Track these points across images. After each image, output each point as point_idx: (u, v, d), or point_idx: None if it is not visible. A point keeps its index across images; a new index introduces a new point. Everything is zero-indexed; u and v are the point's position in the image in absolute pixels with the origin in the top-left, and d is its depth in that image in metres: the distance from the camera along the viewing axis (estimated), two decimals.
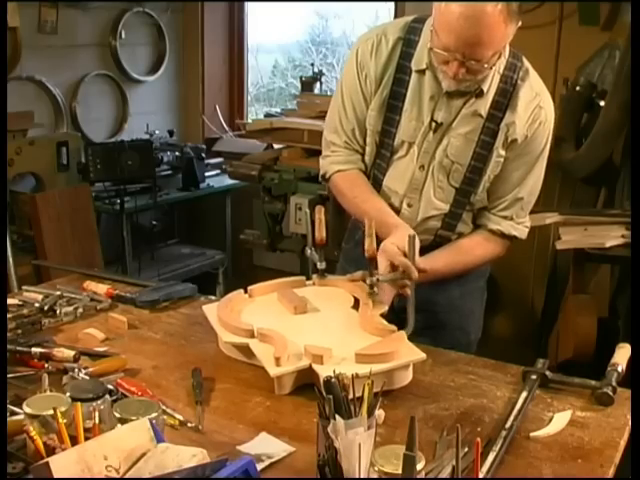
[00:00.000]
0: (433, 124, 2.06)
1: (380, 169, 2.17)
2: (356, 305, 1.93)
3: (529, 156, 2.11)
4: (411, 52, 2.07)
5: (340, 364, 1.62)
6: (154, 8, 5.16)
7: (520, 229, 2.19)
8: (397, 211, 2.15)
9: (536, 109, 2.07)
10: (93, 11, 4.84)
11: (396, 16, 4.72)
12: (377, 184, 2.18)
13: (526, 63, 2.09)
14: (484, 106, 2.04)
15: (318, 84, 4.94)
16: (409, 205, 2.15)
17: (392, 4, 4.80)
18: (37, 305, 2.09)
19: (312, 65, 5.10)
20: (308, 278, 2.12)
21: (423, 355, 1.70)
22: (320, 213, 2.06)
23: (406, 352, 1.70)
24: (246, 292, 2.04)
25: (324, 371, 1.49)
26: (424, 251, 2.12)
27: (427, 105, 2.06)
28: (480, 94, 2.03)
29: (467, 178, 2.09)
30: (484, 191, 2.13)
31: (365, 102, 2.14)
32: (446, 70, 1.92)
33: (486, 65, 1.89)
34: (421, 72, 2.05)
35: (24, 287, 2.28)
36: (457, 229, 2.17)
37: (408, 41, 2.07)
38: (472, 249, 2.18)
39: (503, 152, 2.07)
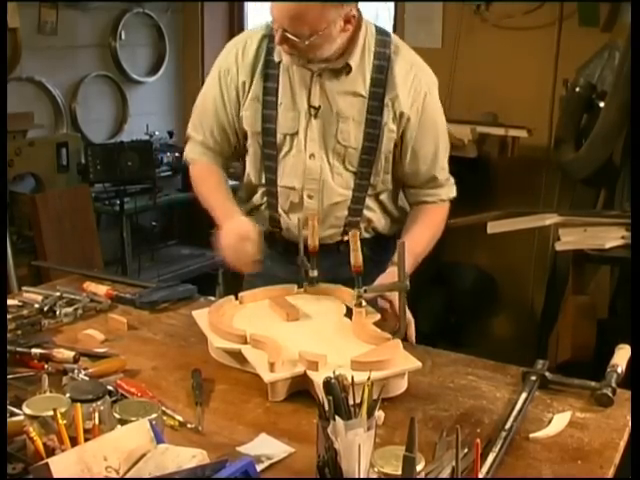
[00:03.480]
0: (312, 110, 2.10)
1: (271, 170, 2.17)
2: (348, 313, 1.93)
3: (431, 128, 2.16)
4: (275, 46, 2.09)
5: (335, 371, 1.61)
6: (154, 9, 5.16)
7: (453, 188, 2.27)
8: (300, 206, 2.16)
9: (415, 80, 2.10)
10: (93, 12, 4.84)
11: (396, 16, 4.73)
12: (272, 186, 2.19)
13: (395, 38, 2.15)
14: (363, 85, 2.08)
15: None
16: (309, 197, 2.16)
17: (392, 4, 4.79)
18: (37, 306, 2.08)
19: None
20: (300, 286, 2.11)
21: (419, 363, 1.69)
22: (313, 220, 2.05)
23: (402, 360, 1.69)
24: (237, 298, 2.04)
25: (319, 378, 1.47)
26: (339, 248, 2.16)
27: (300, 92, 2.10)
28: (349, 70, 2.07)
29: (363, 160, 2.12)
30: (383, 172, 2.16)
31: (225, 108, 2.18)
32: (277, 42, 1.98)
33: (307, 42, 1.93)
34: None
35: (24, 288, 2.28)
36: (364, 215, 2.19)
37: (271, 37, 2.09)
38: (433, 221, 2.23)
39: (394, 127, 2.11)
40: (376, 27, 2.13)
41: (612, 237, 2.95)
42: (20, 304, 2.12)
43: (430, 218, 2.23)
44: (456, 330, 4.40)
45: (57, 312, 2.08)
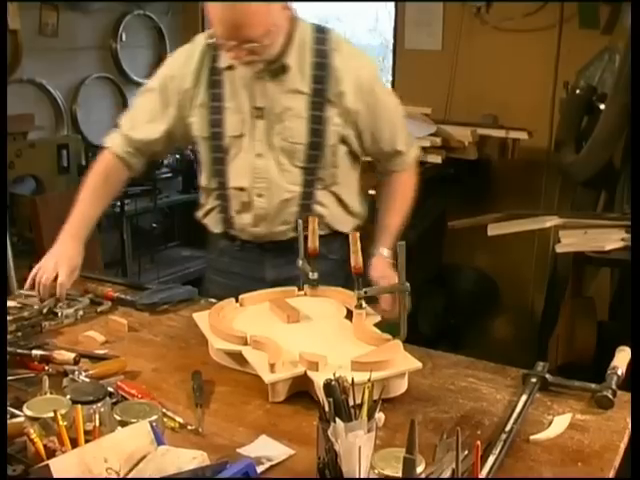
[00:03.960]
0: (256, 111, 2.15)
1: (221, 174, 2.23)
2: (349, 315, 1.93)
3: (385, 111, 2.22)
4: (219, 54, 2.16)
5: (336, 372, 1.61)
6: (154, 11, 5.17)
7: (415, 150, 2.36)
8: (250, 206, 2.21)
9: (358, 73, 2.15)
10: (94, 14, 4.84)
11: (396, 18, 4.73)
12: (223, 190, 2.24)
13: (334, 34, 2.19)
14: (304, 83, 2.13)
15: None
16: (259, 195, 2.20)
17: (392, 5, 4.79)
18: (37, 307, 2.09)
19: None
20: (300, 289, 2.12)
21: (419, 364, 1.69)
22: (313, 223, 2.06)
23: (402, 361, 1.69)
24: (237, 301, 2.04)
25: (320, 378, 1.48)
26: (294, 246, 2.17)
27: (244, 95, 2.15)
28: (286, 69, 2.12)
29: (310, 156, 2.17)
30: (331, 166, 2.20)
31: (163, 111, 2.24)
32: (234, 57, 2.04)
33: (266, 42, 1.99)
34: (230, 67, 2.15)
35: (24, 290, 2.27)
36: (315, 211, 2.22)
37: (216, 45, 2.14)
38: (404, 188, 2.32)
39: (340, 121, 2.15)
40: (314, 25, 2.19)
41: (612, 239, 2.95)
42: (20, 306, 2.12)
43: (402, 187, 2.32)
44: (456, 332, 4.41)
45: (58, 314, 2.08)
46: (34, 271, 2.16)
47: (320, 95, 2.13)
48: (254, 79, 2.12)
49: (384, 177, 2.34)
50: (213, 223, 2.33)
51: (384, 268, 2.07)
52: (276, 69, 2.11)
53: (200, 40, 2.23)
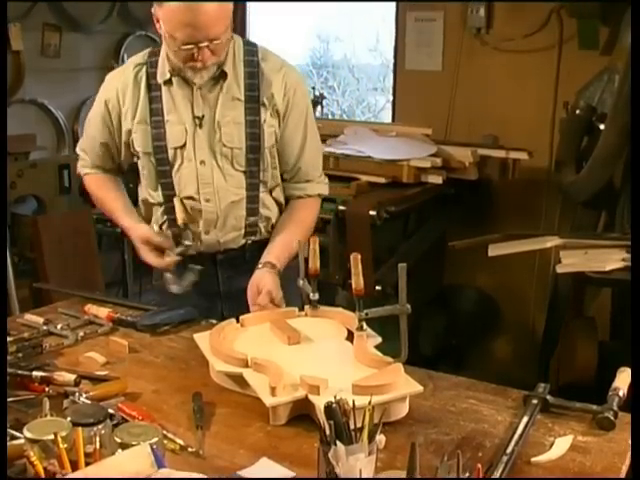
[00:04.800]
0: (197, 120, 2.24)
1: (168, 187, 2.29)
2: (350, 337, 1.92)
3: (300, 121, 2.32)
4: (155, 71, 2.25)
5: (337, 395, 1.61)
6: (156, 32, 5.19)
7: (322, 186, 2.43)
8: (199, 212, 2.28)
9: (285, 77, 2.28)
10: (95, 35, 4.87)
11: (397, 38, 4.75)
12: (171, 202, 2.29)
13: (262, 47, 2.32)
14: (239, 90, 2.24)
15: (319, 107, 4.95)
16: (207, 200, 2.27)
17: (393, 25, 4.81)
18: (38, 328, 2.09)
19: (313, 89, 5.11)
20: (301, 309, 2.12)
21: (420, 387, 1.69)
22: (314, 244, 2.06)
23: (403, 384, 1.68)
24: (238, 321, 2.04)
25: (321, 401, 1.47)
26: (244, 255, 2.32)
27: (184, 106, 2.23)
28: (225, 76, 2.22)
29: (250, 160, 2.25)
30: (271, 167, 2.30)
31: (109, 133, 2.35)
32: (194, 64, 2.12)
33: (225, 40, 2.11)
34: (168, 82, 2.23)
35: (26, 315, 2.28)
36: (262, 214, 2.31)
37: (150, 63, 2.28)
38: (305, 215, 2.38)
39: (274, 121, 2.27)
40: (243, 39, 2.29)
41: (613, 259, 2.95)
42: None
43: (303, 212, 2.38)
44: (458, 352, 4.40)
45: (58, 335, 2.07)
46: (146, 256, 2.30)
47: (253, 101, 2.23)
48: (193, 90, 2.21)
49: (288, 203, 2.40)
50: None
51: (261, 277, 2.17)
52: (217, 77, 2.20)
53: (131, 62, 2.32)
